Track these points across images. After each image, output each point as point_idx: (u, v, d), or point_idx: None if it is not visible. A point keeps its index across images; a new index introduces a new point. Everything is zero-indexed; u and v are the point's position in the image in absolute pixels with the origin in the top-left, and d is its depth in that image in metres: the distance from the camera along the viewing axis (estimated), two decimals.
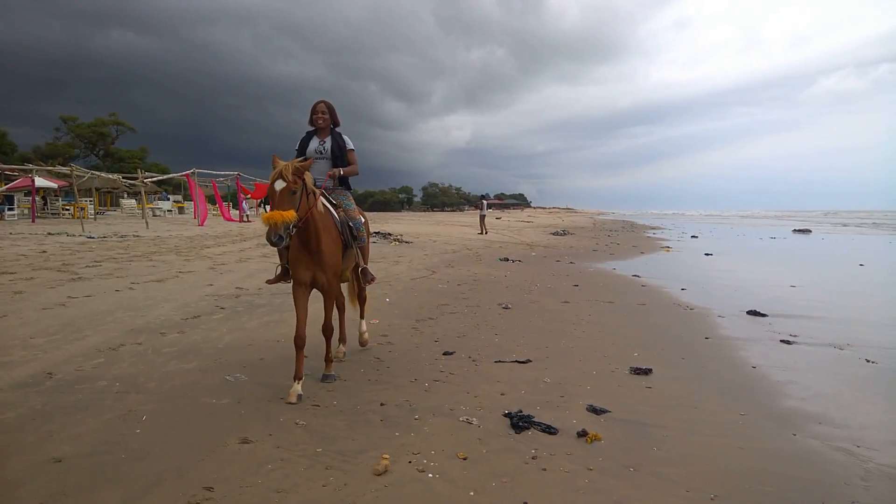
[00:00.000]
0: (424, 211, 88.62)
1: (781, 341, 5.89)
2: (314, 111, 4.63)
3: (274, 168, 3.77)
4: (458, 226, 31.24)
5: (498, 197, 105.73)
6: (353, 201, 4.74)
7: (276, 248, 4.10)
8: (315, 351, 4.73)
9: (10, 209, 22.95)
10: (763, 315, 7.14)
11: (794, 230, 31.83)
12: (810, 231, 31.10)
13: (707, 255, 16.62)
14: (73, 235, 15.13)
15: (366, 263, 4.91)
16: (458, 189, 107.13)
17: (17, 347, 4.89)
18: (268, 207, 3.64)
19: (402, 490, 2.77)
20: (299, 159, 3.95)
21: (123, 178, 28.96)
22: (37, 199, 23.90)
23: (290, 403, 3.87)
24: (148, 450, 3.13)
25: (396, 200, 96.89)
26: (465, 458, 3.13)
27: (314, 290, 4.25)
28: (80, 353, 4.80)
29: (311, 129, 4.72)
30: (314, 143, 4.65)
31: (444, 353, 5.22)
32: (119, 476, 2.82)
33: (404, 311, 7.19)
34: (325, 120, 4.63)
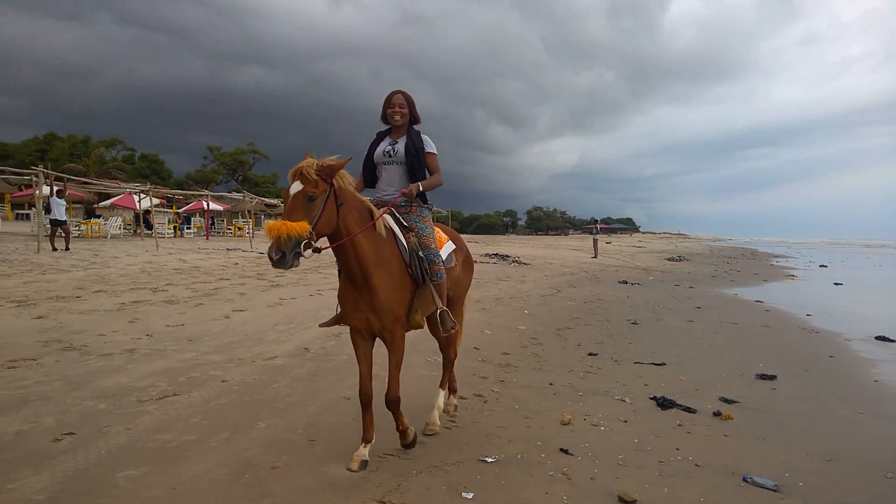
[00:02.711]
0: (528, 234, 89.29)
1: None
2: (389, 104, 3.59)
3: None
4: (568, 249, 31.88)
5: (604, 221, 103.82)
6: (428, 223, 3.61)
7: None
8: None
9: (188, 228, 27.64)
10: (892, 341, 7.39)
11: None
12: None
13: (837, 284, 16.00)
14: (247, 251, 18.17)
15: (446, 304, 3.66)
16: (563, 213, 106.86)
17: (270, 332, 6.76)
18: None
19: (585, 434, 3.95)
20: (333, 157, 2.95)
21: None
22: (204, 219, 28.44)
23: (351, 471, 3.26)
24: (409, 396, 4.59)
25: (501, 224, 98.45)
26: (625, 421, 4.25)
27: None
28: (315, 338, 6.56)
29: (385, 128, 3.73)
30: (383, 145, 3.63)
31: (589, 354, 6.35)
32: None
33: (543, 321, 8.39)
34: (403, 115, 3.57)
